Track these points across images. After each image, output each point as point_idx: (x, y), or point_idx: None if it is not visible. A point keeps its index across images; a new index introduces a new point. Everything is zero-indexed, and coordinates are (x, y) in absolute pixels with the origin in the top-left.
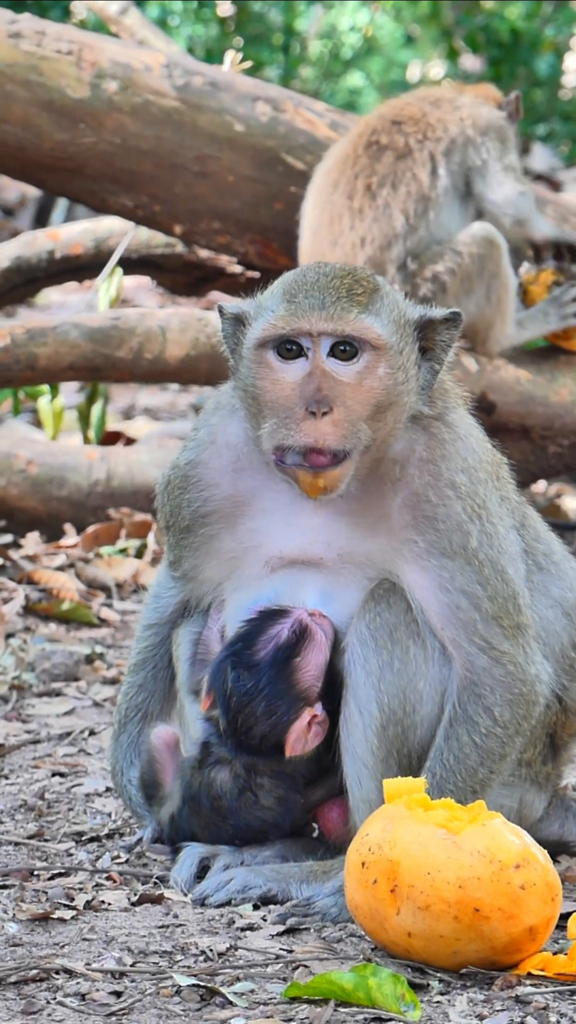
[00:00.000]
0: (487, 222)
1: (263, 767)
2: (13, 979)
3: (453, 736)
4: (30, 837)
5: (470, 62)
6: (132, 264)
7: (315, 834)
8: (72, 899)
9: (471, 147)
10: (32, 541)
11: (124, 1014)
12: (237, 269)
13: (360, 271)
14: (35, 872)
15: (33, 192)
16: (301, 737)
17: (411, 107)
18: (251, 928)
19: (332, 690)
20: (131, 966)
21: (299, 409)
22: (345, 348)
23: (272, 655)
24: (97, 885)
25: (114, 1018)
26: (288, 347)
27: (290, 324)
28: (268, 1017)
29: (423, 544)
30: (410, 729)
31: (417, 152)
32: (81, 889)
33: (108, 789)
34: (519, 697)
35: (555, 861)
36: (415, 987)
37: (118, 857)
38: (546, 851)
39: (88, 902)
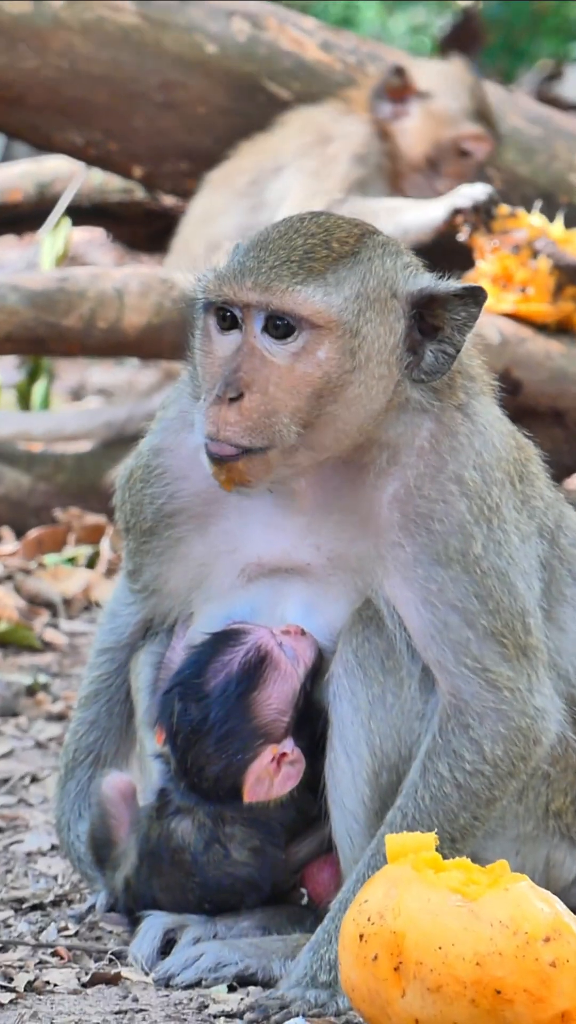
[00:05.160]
0: None
1: (231, 813)
2: None
3: (431, 771)
4: None
5: None
6: (83, 213)
7: (304, 901)
8: (11, 979)
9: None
10: None
11: None
12: None
13: (342, 229)
14: None
15: None
16: (263, 779)
17: None
18: (226, 1014)
19: (313, 724)
20: None
21: (213, 390)
22: (279, 324)
23: (223, 686)
24: (41, 962)
25: None
26: (224, 315)
27: (218, 289)
28: None
29: (411, 550)
30: (407, 776)
31: None
32: (22, 967)
33: (54, 847)
34: (516, 732)
35: None
36: None
37: (66, 929)
38: None
39: (30, 983)
